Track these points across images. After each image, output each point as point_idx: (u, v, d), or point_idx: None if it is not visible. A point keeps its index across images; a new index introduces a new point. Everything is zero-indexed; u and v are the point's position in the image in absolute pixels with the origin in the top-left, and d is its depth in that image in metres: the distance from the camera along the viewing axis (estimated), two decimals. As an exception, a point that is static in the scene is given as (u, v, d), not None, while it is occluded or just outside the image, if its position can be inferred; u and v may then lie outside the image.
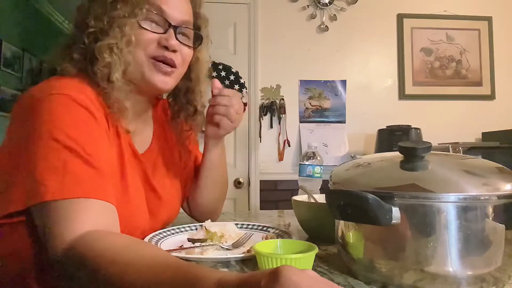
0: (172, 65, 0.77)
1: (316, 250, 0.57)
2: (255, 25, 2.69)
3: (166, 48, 0.75)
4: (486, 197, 0.51)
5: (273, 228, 0.87)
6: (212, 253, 0.71)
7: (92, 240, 0.54)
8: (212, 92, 0.88)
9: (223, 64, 2.62)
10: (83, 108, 0.65)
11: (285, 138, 2.69)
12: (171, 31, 0.76)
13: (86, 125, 0.64)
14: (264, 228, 0.89)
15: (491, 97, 2.84)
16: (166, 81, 0.78)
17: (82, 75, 0.72)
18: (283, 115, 2.69)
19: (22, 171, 0.60)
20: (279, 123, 2.69)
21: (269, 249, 0.62)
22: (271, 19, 2.73)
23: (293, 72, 2.73)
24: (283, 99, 2.70)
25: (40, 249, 0.61)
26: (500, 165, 0.58)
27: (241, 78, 2.64)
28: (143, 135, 0.86)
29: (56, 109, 0.63)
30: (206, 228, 0.82)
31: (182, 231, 0.87)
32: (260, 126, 2.67)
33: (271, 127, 2.69)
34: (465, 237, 0.50)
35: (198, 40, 0.85)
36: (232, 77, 2.62)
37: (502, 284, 0.53)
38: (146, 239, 0.76)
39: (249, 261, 0.66)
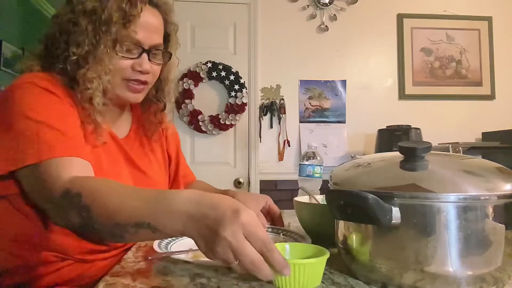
0: (144, 84, 0.85)
1: (327, 255, 0.54)
2: (255, 25, 2.69)
3: (140, 71, 0.82)
4: (486, 197, 0.51)
5: (288, 231, 0.83)
6: None
7: (84, 178, 0.65)
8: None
9: (223, 64, 2.62)
10: (44, 90, 0.74)
11: (285, 138, 2.69)
12: (144, 55, 0.82)
13: (50, 102, 0.74)
14: (283, 232, 0.84)
15: (491, 97, 2.84)
16: (138, 97, 0.87)
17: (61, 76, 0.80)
18: (283, 115, 2.69)
19: (2, 146, 0.69)
20: (279, 123, 2.69)
21: None
22: (271, 19, 2.73)
23: (293, 72, 2.73)
24: (283, 99, 2.70)
25: (24, 221, 0.75)
26: (500, 165, 0.58)
27: (241, 78, 2.63)
28: (120, 125, 0.94)
29: (24, 94, 0.74)
30: None
31: None
32: (260, 126, 2.67)
33: (271, 127, 2.69)
34: (465, 237, 0.50)
35: (167, 57, 0.91)
36: (232, 77, 2.62)
37: (502, 284, 0.53)
38: (156, 243, 0.74)
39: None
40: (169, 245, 0.77)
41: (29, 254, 0.76)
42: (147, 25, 0.83)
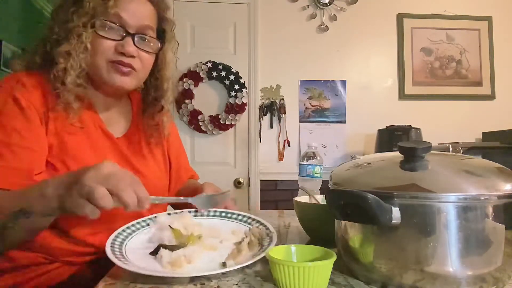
0: (130, 67, 0.83)
1: (334, 257, 0.54)
2: (255, 25, 2.69)
3: (124, 54, 0.81)
4: (486, 197, 0.51)
5: (234, 213, 0.81)
6: (199, 257, 0.65)
7: None
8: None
9: (223, 64, 2.62)
10: (12, 100, 0.75)
11: (285, 138, 2.69)
12: (129, 38, 0.81)
13: (8, 116, 0.74)
14: (225, 214, 0.82)
15: (491, 97, 2.84)
16: (125, 81, 0.84)
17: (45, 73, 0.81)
18: (283, 115, 2.69)
19: None
20: (279, 123, 2.69)
21: (283, 255, 0.58)
22: (271, 19, 2.73)
23: (293, 72, 2.73)
24: (283, 99, 2.70)
25: None
26: (500, 165, 0.58)
27: (241, 78, 2.63)
28: (118, 123, 0.94)
29: None
30: (171, 227, 0.71)
31: (135, 231, 0.73)
32: (260, 126, 2.67)
33: (271, 127, 2.69)
34: (465, 237, 0.50)
35: (156, 45, 0.89)
36: (232, 77, 2.62)
37: (502, 284, 0.53)
38: (109, 240, 0.67)
39: (260, 264, 0.63)
40: (123, 246, 0.68)
41: (16, 255, 0.76)
42: (135, 10, 0.83)
